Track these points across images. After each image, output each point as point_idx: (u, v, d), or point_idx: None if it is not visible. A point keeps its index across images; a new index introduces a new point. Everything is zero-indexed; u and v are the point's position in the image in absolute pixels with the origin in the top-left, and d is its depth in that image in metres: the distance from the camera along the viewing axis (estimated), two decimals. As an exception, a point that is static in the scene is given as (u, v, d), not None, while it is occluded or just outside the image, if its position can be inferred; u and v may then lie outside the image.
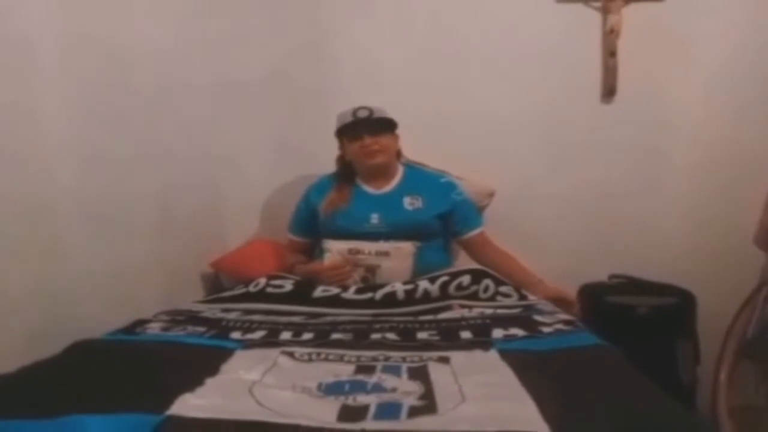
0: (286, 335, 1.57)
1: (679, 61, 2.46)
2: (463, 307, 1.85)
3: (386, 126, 2.16)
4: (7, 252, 1.48)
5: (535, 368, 1.26)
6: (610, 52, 2.45)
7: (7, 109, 1.50)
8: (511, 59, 2.50)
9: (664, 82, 2.48)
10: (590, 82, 2.50)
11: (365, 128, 2.13)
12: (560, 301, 1.95)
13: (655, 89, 2.49)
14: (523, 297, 1.93)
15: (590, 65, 2.49)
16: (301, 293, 1.92)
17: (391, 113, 2.18)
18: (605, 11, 2.45)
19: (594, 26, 2.47)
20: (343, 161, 2.26)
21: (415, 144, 2.26)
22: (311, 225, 2.24)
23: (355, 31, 2.53)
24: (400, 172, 2.24)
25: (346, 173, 2.25)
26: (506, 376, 1.22)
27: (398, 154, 2.27)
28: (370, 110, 2.14)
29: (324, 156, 2.32)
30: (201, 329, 1.62)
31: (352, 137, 2.15)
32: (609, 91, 2.48)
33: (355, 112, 2.14)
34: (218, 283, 2.36)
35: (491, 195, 2.41)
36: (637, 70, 2.46)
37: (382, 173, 2.20)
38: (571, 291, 2.12)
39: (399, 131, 2.21)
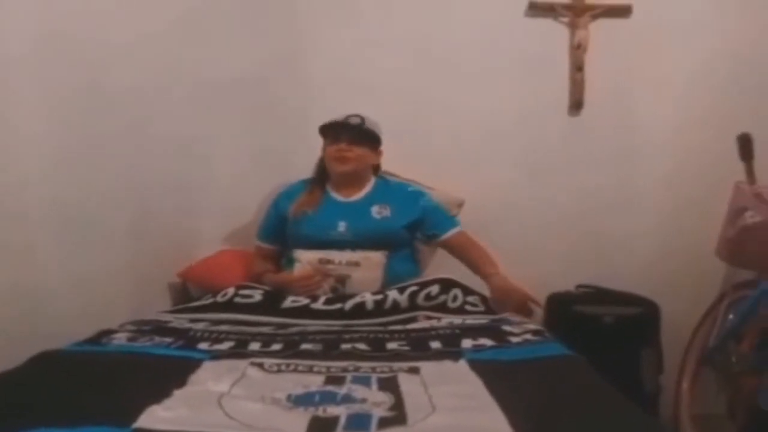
0: (254, 346, 1.56)
1: (645, 76, 2.52)
2: (429, 318, 1.85)
3: (367, 137, 2.16)
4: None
5: (503, 378, 1.26)
6: (577, 67, 2.50)
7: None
8: (481, 72, 2.53)
9: (630, 97, 2.54)
10: (558, 95, 2.54)
11: (346, 134, 2.13)
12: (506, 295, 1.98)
13: (621, 103, 2.55)
14: (490, 309, 1.94)
15: (558, 79, 2.53)
16: (270, 304, 1.90)
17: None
18: (573, 26, 2.50)
19: (562, 41, 2.52)
20: (321, 164, 2.25)
21: (386, 152, 2.26)
22: (280, 232, 2.22)
23: (334, 42, 2.53)
24: (371, 182, 2.24)
25: (320, 177, 2.25)
26: (475, 387, 1.23)
27: (376, 169, 2.27)
28: (362, 119, 2.14)
29: (299, 166, 2.31)
30: (168, 340, 1.59)
31: (332, 140, 2.15)
32: (576, 105, 2.53)
33: (347, 117, 2.14)
34: (186, 292, 2.33)
35: (460, 205, 2.42)
36: (604, 85, 2.51)
37: (351, 182, 2.20)
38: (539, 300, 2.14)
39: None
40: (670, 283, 2.49)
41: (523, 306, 1.97)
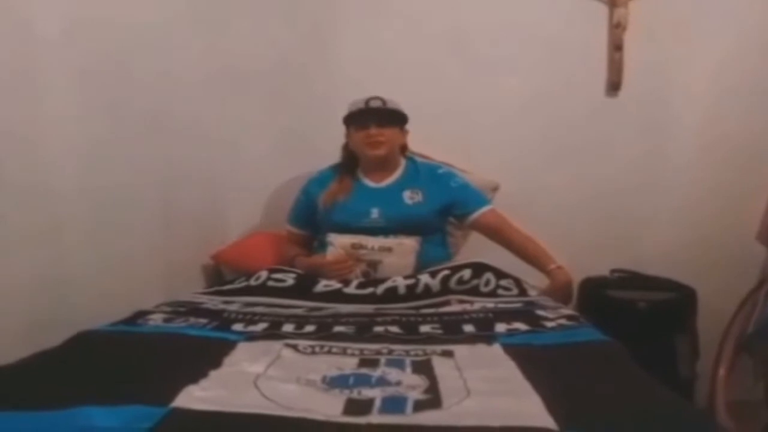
0: (288, 327, 1.57)
1: (685, 57, 2.46)
2: (462, 302, 1.84)
3: (395, 118, 2.14)
4: (9, 240, 1.47)
5: (538, 363, 1.25)
6: (615, 46, 2.45)
7: (10, 96, 1.49)
8: (516, 52, 2.49)
9: (669, 77, 2.48)
10: (595, 75, 2.50)
11: (373, 118, 2.11)
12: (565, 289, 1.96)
13: (659, 84, 2.49)
14: (523, 292, 1.92)
15: (596, 59, 2.49)
16: (303, 288, 1.90)
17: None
18: (612, 4, 2.44)
19: (601, 19, 2.47)
20: (347, 150, 2.24)
21: (418, 136, 2.25)
22: (310, 217, 2.23)
23: (361, 24, 2.52)
24: (401, 165, 2.23)
25: (349, 163, 2.24)
26: (510, 371, 1.22)
27: (403, 149, 2.25)
28: (383, 101, 2.12)
29: (327, 148, 2.31)
30: (203, 321, 1.60)
31: (359, 126, 2.14)
32: (614, 86, 2.48)
33: (367, 101, 2.12)
34: (219, 275, 2.36)
35: (495, 189, 2.40)
36: (642, 65, 2.45)
37: (383, 166, 2.19)
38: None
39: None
40: (707, 268, 2.44)
41: (569, 298, 1.97)
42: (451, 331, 1.54)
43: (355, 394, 1.08)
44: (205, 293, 1.97)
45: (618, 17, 2.42)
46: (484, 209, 2.16)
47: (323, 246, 2.10)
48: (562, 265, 1.99)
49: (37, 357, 1.25)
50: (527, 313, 1.68)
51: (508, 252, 2.12)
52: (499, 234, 2.12)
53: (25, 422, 0.95)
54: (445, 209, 2.16)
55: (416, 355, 1.32)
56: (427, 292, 1.87)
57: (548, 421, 0.96)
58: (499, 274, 1.95)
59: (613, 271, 2.45)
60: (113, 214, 1.84)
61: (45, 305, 1.56)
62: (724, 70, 2.46)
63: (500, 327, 1.55)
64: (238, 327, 1.56)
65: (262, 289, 1.91)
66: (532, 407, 1.02)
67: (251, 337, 1.46)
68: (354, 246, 2.02)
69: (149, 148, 2.00)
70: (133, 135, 1.92)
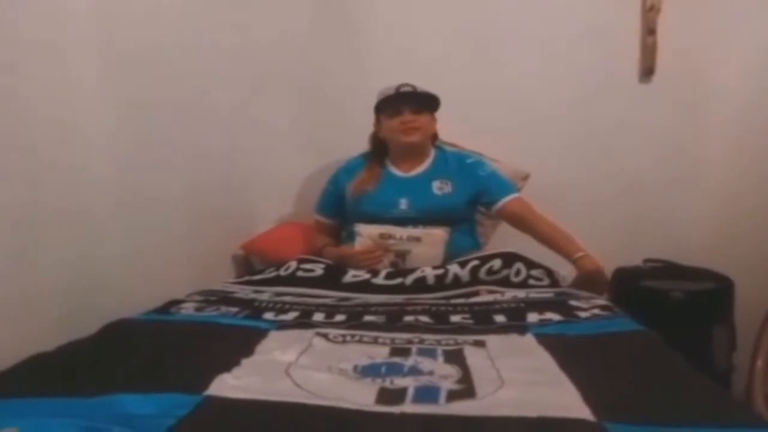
0: (318, 316, 1.57)
1: (720, 41, 2.39)
2: (491, 292, 1.82)
3: (428, 104, 2.12)
4: (43, 232, 1.49)
5: (573, 353, 1.23)
6: (649, 30, 2.39)
7: (47, 95, 1.50)
8: (546, 37, 2.44)
9: (704, 62, 2.41)
10: (628, 61, 2.44)
11: (407, 103, 2.09)
12: (595, 277, 1.88)
13: (694, 69, 2.42)
14: (554, 283, 1.89)
15: (628, 43, 2.42)
16: (332, 278, 1.90)
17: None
18: (646, -13, 2.38)
19: (633, 3, 2.40)
20: (376, 139, 2.23)
21: (448, 125, 2.22)
22: (338, 207, 2.23)
23: (387, 12, 2.49)
24: (431, 154, 2.20)
25: (378, 152, 2.22)
26: (544, 361, 1.20)
27: (434, 137, 2.23)
28: (414, 87, 2.10)
29: (353, 139, 2.30)
30: (234, 309, 1.62)
31: (392, 113, 2.11)
32: (647, 71, 2.42)
33: (398, 87, 2.10)
34: (249, 264, 2.37)
35: (526, 178, 2.37)
36: (677, 49, 2.39)
37: (414, 154, 2.17)
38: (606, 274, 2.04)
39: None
40: (745, 258, 2.37)
41: (602, 287, 1.90)
42: (482, 321, 1.52)
43: (387, 383, 1.08)
44: (235, 283, 1.98)
45: (651, 0, 2.36)
46: (510, 197, 2.11)
47: (351, 236, 2.09)
48: (589, 253, 1.91)
49: (72, 345, 1.28)
50: (560, 303, 1.66)
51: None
52: (523, 222, 2.07)
53: (60, 408, 0.96)
54: (474, 198, 2.14)
55: (448, 344, 1.32)
56: (456, 282, 1.85)
57: (585, 412, 0.95)
58: (530, 264, 1.92)
59: (646, 260, 2.40)
60: (145, 206, 1.85)
61: (80, 295, 1.58)
62: (763, 56, 2.39)
63: (532, 317, 1.53)
64: (269, 316, 1.57)
65: (292, 279, 1.92)
66: (568, 398, 1.01)
67: (282, 326, 1.46)
68: (382, 236, 2.01)
69: (180, 143, 2.01)
70: (165, 131, 1.93)
